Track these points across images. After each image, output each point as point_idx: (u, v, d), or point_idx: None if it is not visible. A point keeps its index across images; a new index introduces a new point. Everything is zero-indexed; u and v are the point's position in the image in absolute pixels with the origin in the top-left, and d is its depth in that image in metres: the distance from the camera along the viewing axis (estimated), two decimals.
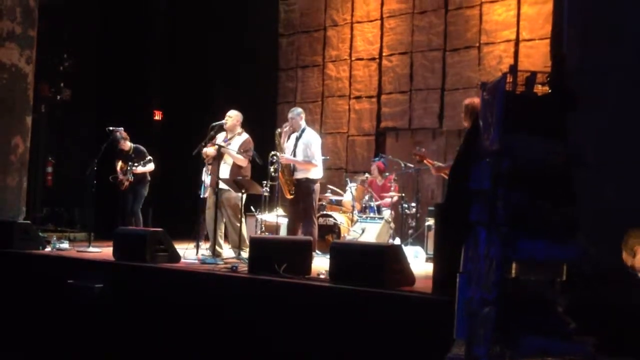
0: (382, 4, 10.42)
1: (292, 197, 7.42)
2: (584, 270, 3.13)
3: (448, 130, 9.62)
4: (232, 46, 11.27)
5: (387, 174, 9.00)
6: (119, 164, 8.60)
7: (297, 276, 5.43)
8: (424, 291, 4.84)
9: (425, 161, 7.16)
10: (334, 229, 8.53)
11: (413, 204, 8.55)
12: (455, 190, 4.74)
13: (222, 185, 7.22)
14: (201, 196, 8.03)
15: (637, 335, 3.61)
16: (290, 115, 7.65)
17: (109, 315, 6.12)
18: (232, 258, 6.89)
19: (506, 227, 3.00)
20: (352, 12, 10.77)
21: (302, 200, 7.38)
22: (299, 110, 7.74)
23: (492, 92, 3.39)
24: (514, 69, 3.26)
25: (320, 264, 6.43)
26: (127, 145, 8.63)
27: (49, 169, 11.14)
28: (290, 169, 7.44)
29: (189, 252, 7.02)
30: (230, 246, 7.47)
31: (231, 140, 7.42)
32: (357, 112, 10.66)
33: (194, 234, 7.80)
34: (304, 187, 7.37)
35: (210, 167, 7.63)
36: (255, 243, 6.06)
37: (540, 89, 3.26)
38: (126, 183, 8.46)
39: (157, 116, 11.61)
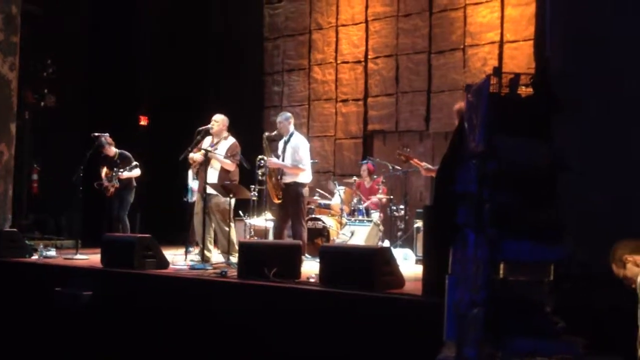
0: (366, 7, 10.45)
1: (279, 201, 7.42)
2: (571, 271, 3.15)
3: (435, 132, 9.65)
4: (218, 51, 11.25)
5: (375, 176, 9.02)
6: (104, 170, 8.55)
7: (286, 280, 5.43)
8: (414, 293, 4.85)
9: (412, 161, 7.18)
10: (323, 232, 8.53)
11: (401, 206, 8.57)
12: (442, 193, 4.76)
13: (210, 190, 7.21)
14: (188, 201, 8.00)
15: (625, 334, 3.64)
16: (278, 119, 7.65)
17: (98, 323, 6.08)
18: (222, 263, 6.88)
19: (493, 229, 3.02)
20: (337, 15, 10.80)
21: (290, 204, 7.38)
22: (288, 114, 7.75)
23: (476, 94, 3.41)
24: (498, 70, 3.29)
25: (310, 267, 6.44)
26: (113, 151, 8.59)
27: (35, 176, 11.05)
28: (278, 174, 7.45)
29: (177, 258, 7.00)
30: (219, 251, 7.45)
31: (218, 145, 7.40)
32: (344, 115, 10.68)
33: (187, 240, 7.77)
34: (292, 191, 7.38)
35: (196, 171, 7.61)
36: (244, 248, 6.05)
37: (524, 91, 3.28)
38: (112, 189, 8.41)
39: (143, 121, 11.56)
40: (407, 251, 7.96)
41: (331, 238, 8.43)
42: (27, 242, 7.88)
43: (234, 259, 6.65)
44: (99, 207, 8.69)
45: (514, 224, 3.04)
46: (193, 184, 7.91)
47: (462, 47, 9.44)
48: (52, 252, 7.74)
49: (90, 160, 8.08)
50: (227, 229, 7.14)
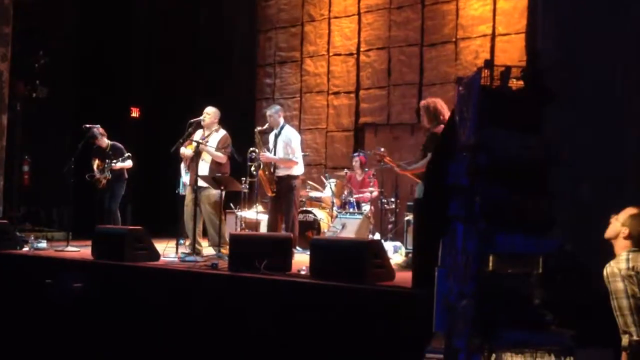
0: None
1: (273, 194, 7.42)
2: (561, 264, 3.17)
3: None
4: (210, 42, 11.21)
5: (366, 169, 9.02)
6: (96, 162, 8.52)
7: (277, 273, 5.45)
8: (404, 285, 4.87)
9: (385, 160, 7.20)
10: (314, 225, 8.54)
11: (392, 199, 8.59)
12: (433, 185, 4.77)
13: (201, 182, 7.20)
14: (179, 193, 7.98)
15: (613, 326, 3.66)
16: (268, 112, 7.64)
17: (89, 315, 6.08)
18: (212, 256, 6.88)
19: (483, 222, 3.03)
20: (329, 7, 10.77)
21: (283, 196, 7.38)
22: (277, 107, 7.73)
23: (468, 86, 3.41)
24: (489, 63, 3.28)
25: (301, 260, 6.45)
26: (105, 142, 8.55)
27: (26, 168, 11.00)
28: (271, 167, 7.44)
29: (168, 250, 6.99)
30: (209, 244, 7.45)
31: (209, 137, 7.39)
32: (335, 108, 10.67)
33: (178, 232, 7.76)
34: (285, 184, 7.38)
35: (187, 164, 7.60)
36: (235, 240, 6.06)
37: (515, 84, 3.29)
38: (103, 181, 8.39)
39: (135, 113, 11.52)
40: (398, 244, 7.98)
41: (322, 231, 8.44)
42: (17, 234, 7.87)
43: (225, 251, 6.65)
44: (90, 199, 8.67)
45: (504, 216, 3.05)
46: (186, 177, 7.91)
47: (454, 40, 9.44)
48: (43, 244, 7.73)
49: (82, 152, 8.05)
50: (217, 221, 7.14)
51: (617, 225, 3.68)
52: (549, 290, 3.07)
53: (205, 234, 7.61)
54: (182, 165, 7.81)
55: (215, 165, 7.31)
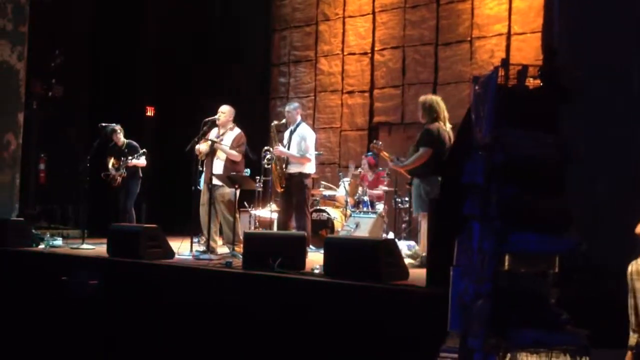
0: None
1: (282, 190, 7.41)
2: (577, 263, 3.16)
3: None
4: (225, 41, 11.23)
5: (380, 168, 9.01)
6: (111, 160, 8.57)
7: (291, 271, 5.45)
8: (418, 285, 4.86)
9: (382, 154, 7.18)
10: (328, 223, 8.54)
11: (406, 199, 8.56)
12: (448, 184, 4.76)
13: (215, 181, 7.22)
14: (199, 188, 7.99)
15: (629, 327, 3.65)
16: (287, 108, 7.66)
17: (104, 312, 6.12)
18: (227, 254, 6.90)
19: (499, 221, 3.02)
20: (344, 6, 10.77)
21: (294, 194, 7.37)
22: (296, 104, 7.75)
23: (484, 86, 3.40)
24: (505, 62, 3.28)
25: (314, 259, 6.45)
26: (121, 140, 8.60)
27: (42, 166, 11.08)
28: (283, 162, 7.44)
29: (183, 248, 7.02)
30: (224, 242, 7.47)
31: (224, 136, 7.41)
32: (349, 107, 10.67)
33: (192, 230, 7.79)
34: (296, 181, 7.37)
35: (202, 162, 7.63)
36: (249, 238, 6.07)
37: (531, 83, 3.28)
38: (119, 179, 8.44)
39: (150, 112, 11.57)
40: (412, 243, 7.96)
41: (336, 229, 8.44)
42: (33, 231, 7.91)
43: (239, 249, 6.67)
44: (105, 197, 8.72)
45: (520, 215, 3.05)
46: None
47: (469, 39, 9.40)
48: (59, 242, 7.78)
49: (98, 150, 8.10)
50: (231, 219, 7.16)
51: None
52: (565, 289, 3.06)
53: (221, 233, 7.63)
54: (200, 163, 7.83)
55: (230, 163, 7.33)
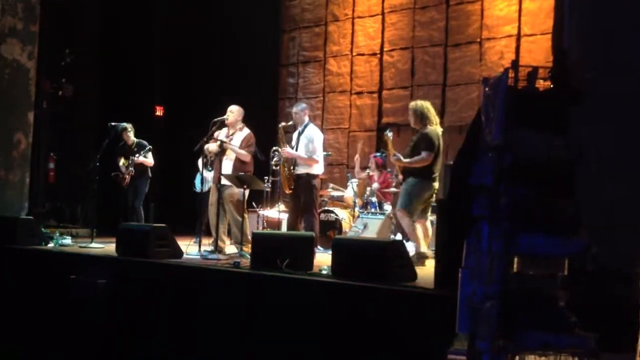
0: None
1: (291, 191, 7.42)
2: (586, 265, 3.14)
3: (449, 125, 9.60)
4: (234, 41, 11.26)
5: (389, 169, 9.00)
6: (121, 160, 8.61)
7: (299, 272, 5.45)
8: (426, 286, 4.85)
9: (389, 144, 7.17)
10: (336, 224, 8.54)
11: None
12: (457, 186, 4.75)
13: (224, 181, 7.24)
14: (197, 191, 8.01)
15: (637, 330, 3.62)
16: (294, 109, 7.65)
17: (112, 311, 6.14)
18: (235, 254, 6.91)
19: (508, 222, 3.01)
20: (353, 7, 10.78)
21: (302, 194, 7.37)
22: (304, 105, 7.75)
23: (494, 87, 3.39)
24: (515, 64, 3.27)
25: (322, 259, 6.45)
26: (131, 139, 8.64)
27: (51, 165, 11.15)
28: (291, 164, 7.44)
29: (191, 248, 7.04)
30: (232, 242, 7.48)
31: (233, 136, 7.42)
32: (358, 108, 10.67)
33: (198, 229, 7.82)
34: (304, 182, 7.36)
35: (210, 162, 7.64)
36: (257, 239, 6.08)
37: (542, 84, 3.27)
38: (127, 178, 8.47)
39: (159, 112, 11.61)
40: None
41: (344, 230, 8.43)
42: (43, 230, 7.95)
43: (247, 249, 6.68)
44: (114, 196, 8.76)
45: (529, 217, 3.04)
46: (207, 174, 7.95)
47: (478, 40, 9.39)
48: (68, 241, 7.81)
49: (107, 149, 8.13)
50: (240, 219, 7.17)
51: None
52: (574, 292, 3.05)
53: (229, 233, 7.64)
54: (200, 162, 7.84)
55: (239, 163, 7.34)
